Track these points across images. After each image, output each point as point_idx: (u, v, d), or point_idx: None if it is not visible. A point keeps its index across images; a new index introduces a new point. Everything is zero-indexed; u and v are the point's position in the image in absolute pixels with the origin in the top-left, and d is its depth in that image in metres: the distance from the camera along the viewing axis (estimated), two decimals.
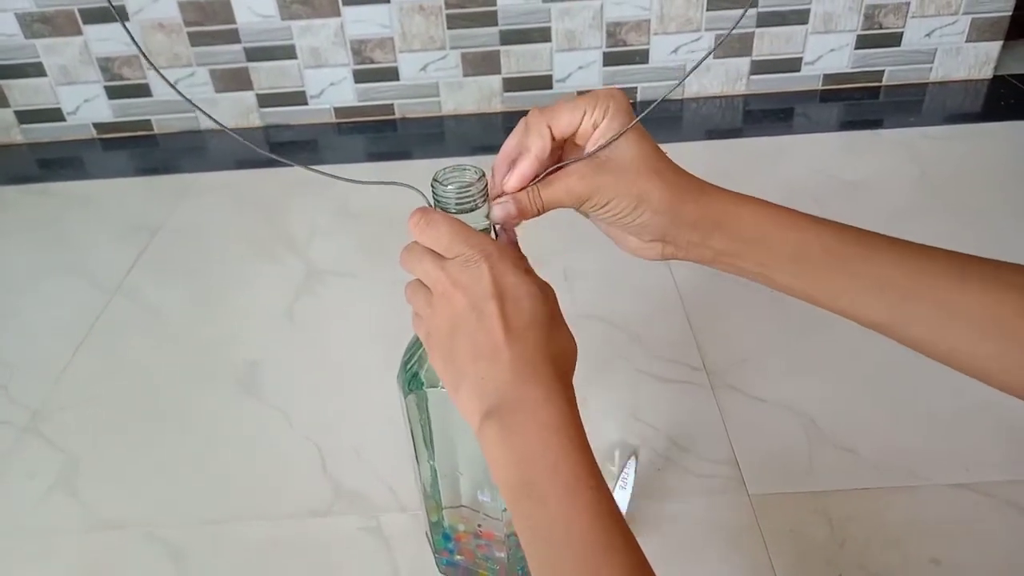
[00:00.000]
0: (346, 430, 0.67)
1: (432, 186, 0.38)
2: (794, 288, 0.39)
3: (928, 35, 1.17)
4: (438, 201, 0.38)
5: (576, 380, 0.37)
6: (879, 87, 1.21)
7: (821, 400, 0.67)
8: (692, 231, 0.39)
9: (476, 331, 0.35)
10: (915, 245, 0.38)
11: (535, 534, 0.33)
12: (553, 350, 0.36)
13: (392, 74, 1.18)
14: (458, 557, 0.54)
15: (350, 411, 0.69)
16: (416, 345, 0.46)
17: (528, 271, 0.38)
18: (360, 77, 1.18)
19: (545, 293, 0.37)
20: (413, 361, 0.45)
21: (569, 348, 0.37)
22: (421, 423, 0.47)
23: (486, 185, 0.38)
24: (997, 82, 1.21)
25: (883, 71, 1.20)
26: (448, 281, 0.36)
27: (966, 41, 1.17)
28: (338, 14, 1.13)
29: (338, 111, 1.22)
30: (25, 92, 1.19)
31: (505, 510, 0.48)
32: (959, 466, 0.60)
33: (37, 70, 1.16)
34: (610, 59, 1.17)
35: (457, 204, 0.37)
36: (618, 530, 0.33)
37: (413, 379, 0.45)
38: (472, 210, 0.38)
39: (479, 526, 0.51)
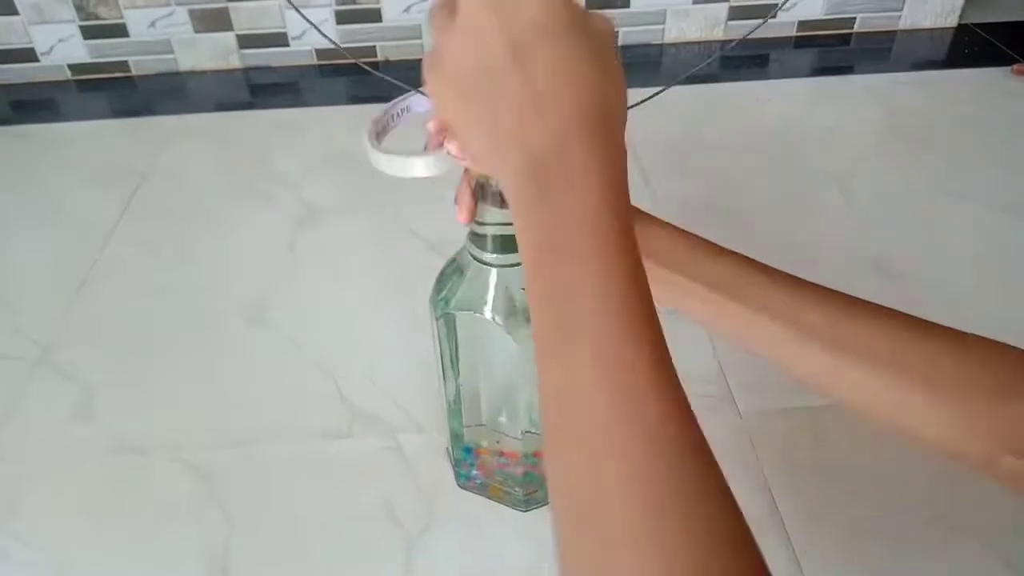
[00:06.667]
0: (357, 358, 0.70)
1: None
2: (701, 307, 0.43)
3: None
4: None
5: None
6: (851, 34, 1.25)
7: None
8: None
9: (492, 100, 0.31)
10: (815, 286, 0.42)
11: (553, 290, 0.30)
12: (592, 101, 0.31)
13: (375, 15, 1.17)
14: (475, 472, 0.57)
15: (360, 340, 0.72)
16: (448, 272, 0.48)
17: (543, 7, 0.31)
18: (342, 18, 1.18)
19: (580, 32, 0.31)
20: (446, 288, 0.48)
21: (612, 91, 0.32)
22: (449, 345, 0.50)
23: None
24: (961, 30, 1.25)
25: (855, 18, 1.24)
26: (452, 36, 0.33)
27: None
28: None
29: (320, 53, 1.21)
30: None
31: (525, 432, 0.52)
32: None
33: (7, 8, 1.13)
34: (592, 3, 1.19)
35: None
36: (648, 313, 0.29)
37: (445, 304, 0.48)
38: None
39: (498, 443, 0.55)
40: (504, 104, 0.31)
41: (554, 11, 0.31)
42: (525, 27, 0.31)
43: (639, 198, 0.92)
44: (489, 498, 0.57)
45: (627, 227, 0.30)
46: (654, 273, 0.41)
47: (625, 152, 0.32)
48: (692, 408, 0.29)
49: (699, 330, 0.71)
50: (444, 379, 0.52)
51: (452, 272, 0.48)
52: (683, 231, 0.45)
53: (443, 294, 0.48)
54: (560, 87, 0.30)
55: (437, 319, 0.48)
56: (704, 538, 0.26)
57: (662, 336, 0.30)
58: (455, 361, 0.51)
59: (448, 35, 0.33)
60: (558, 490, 0.29)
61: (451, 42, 0.33)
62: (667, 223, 0.45)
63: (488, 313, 0.47)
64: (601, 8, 1.19)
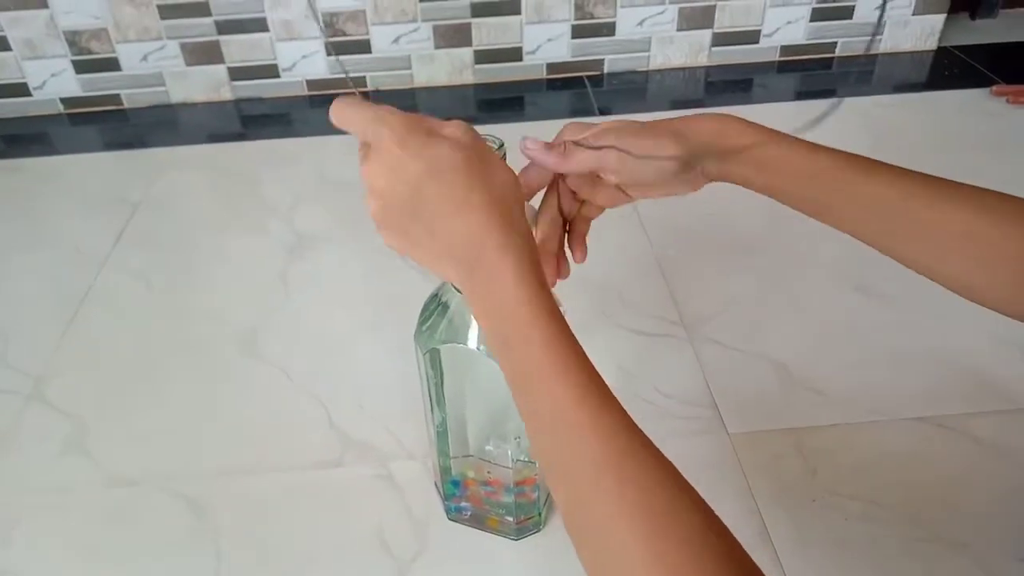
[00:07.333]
0: (348, 386, 0.70)
1: None
2: (799, 199, 0.50)
3: (878, 7, 1.23)
4: None
5: None
6: (832, 58, 1.27)
7: (791, 347, 0.72)
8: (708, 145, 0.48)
9: (422, 215, 0.38)
10: (905, 170, 0.47)
11: (510, 376, 0.37)
12: (495, 201, 0.38)
13: (365, 47, 1.19)
14: (465, 503, 0.57)
15: (350, 368, 0.72)
16: (431, 306, 0.49)
17: (438, 134, 0.38)
18: (332, 50, 1.19)
19: (463, 148, 0.38)
20: (429, 322, 0.49)
21: (507, 186, 0.39)
22: (434, 378, 0.50)
23: (504, 154, 0.42)
24: (941, 53, 1.27)
25: (836, 43, 1.26)
26: (377, 174, 0.38)
27: (913, 14, 1.24)
28: None
29: (310, 84, 1.23)
30: None
31: (516, 461, 0.52)
32: (920, 402, 0.66)
33: (1, 44, 1.15)
34: (578, 32, 1.21)
35: None
36: (570, 356, 0.36)
37: (429, 338, 0.48)
38: None
39: (488, 473, 0.55)
40: (421, 233, 0.38)
41: (423, 160, 0.37)
42: (413, 182, 0.37)
43: (626, 221, 0.93)
44: (481, 529, 0.57)
45: (540, 299, 0.37)
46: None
47: (527, 224, 0.39)
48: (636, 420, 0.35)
49: (688, 353, 0.72)
50: (432, 411, 0.52)
51: (435, 307, 0.49)
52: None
53: (427, 328, 0.49)
54: (457, 209, 0.37)
55: (424, 354, 0.49)
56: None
57: (585, 361, 0.36)
58: (441, 393, 0.51)
59: (371, 167, 0.39)
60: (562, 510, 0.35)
61: (377, 177, 0.39)
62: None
63: (473, 343, 0.47)
64: (588, 36, 1.21)
